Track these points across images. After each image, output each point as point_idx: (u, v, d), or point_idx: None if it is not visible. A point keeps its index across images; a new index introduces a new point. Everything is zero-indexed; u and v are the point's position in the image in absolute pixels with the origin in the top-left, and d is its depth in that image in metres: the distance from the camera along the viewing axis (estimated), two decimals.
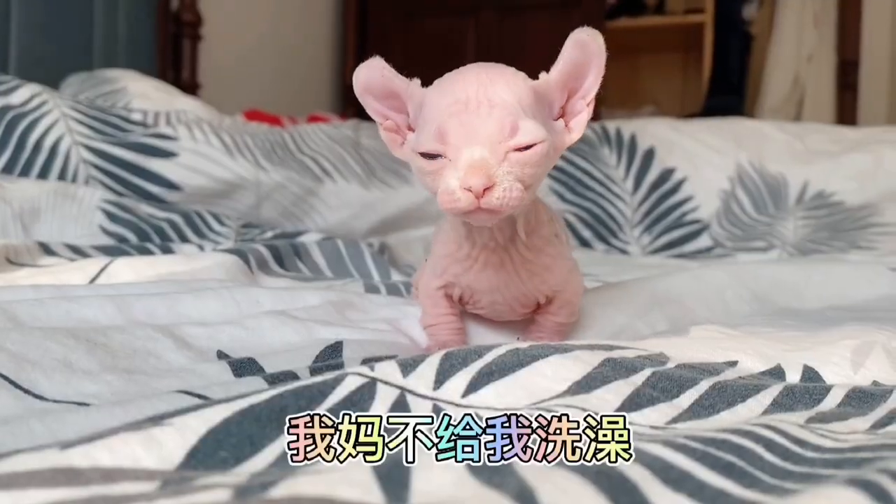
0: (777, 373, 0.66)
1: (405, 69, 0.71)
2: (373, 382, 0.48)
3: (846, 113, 3.73)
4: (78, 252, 1.22)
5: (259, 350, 0.68)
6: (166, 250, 1.32)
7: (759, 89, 3.91)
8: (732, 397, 0.54)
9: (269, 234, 1.61)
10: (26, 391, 0.55)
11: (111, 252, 1.25)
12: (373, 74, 0.71)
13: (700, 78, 4.03)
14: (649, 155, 2.32)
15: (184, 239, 1.52)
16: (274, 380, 0.56)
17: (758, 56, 3.96)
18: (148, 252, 1.29)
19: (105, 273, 1.02)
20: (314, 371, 0.60)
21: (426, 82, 0.70)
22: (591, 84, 0.71)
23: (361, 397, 0.47)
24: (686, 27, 3.99)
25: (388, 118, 0.73)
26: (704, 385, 0.55)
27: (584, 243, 2.24)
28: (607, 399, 0.51)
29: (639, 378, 0.54)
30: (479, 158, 0.63)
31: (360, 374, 0.49)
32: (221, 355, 0.66)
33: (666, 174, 2.29)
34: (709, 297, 1.00)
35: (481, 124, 0.64)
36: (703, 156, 2.31)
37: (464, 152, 0.64)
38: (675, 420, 0.51)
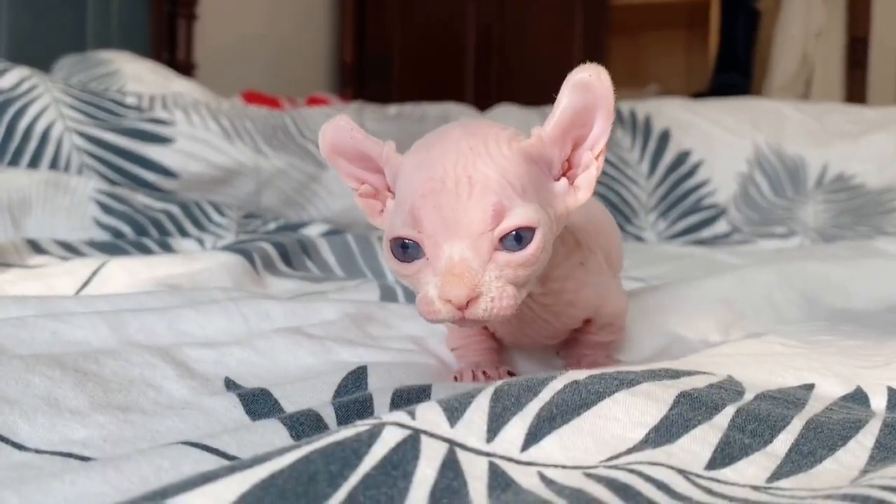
0: (860, 397, 0.58)
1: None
2: (416, 435, 0.40)
3: (855, 91, 3.66)
4: (70, 249, 1.14)
5: (272, 377, 0.59)
6: (164, 246, 1.24)
7: (766, 67, 3.84)
8: (832, 440, 0.47)
9: (271, 226, 1.53)
10: (4, 440, 0.47)
11: (106, 249, 1.17)
12: (340, 135, 0.60)
13: (704, 55, 3.96)
14: (664, 137, 2.24)
15: (183, 232, 1.44)
16: (293, 424, 0.47)
17: (765, 33, 3.88)
18: (145, 249, 1.21)
19: (98, 277, 0.94)
20: (339, 409, 0.51)
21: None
22: (600, 132, 0.59)
23: (404, 456, 0.38)
24: (691, 3, 3.93)
25: (363, 181, 0.62)
26: (797, 425, 0.48)
27: None
28: (695, 451, 0.43)
29: (723, 419, 0.46)
30: (458, 261, 0.53)
31: (399, 425, 0.41)
32: (230, 384, 0.58)
33: (682, 157, 2.21)
34: (757, 300, 0.92)
35: (460, 208, 0.53)
36: (719, 137, 2.23)
37: (442, 250, 0.54)
38: (776, 474, 0.43)
